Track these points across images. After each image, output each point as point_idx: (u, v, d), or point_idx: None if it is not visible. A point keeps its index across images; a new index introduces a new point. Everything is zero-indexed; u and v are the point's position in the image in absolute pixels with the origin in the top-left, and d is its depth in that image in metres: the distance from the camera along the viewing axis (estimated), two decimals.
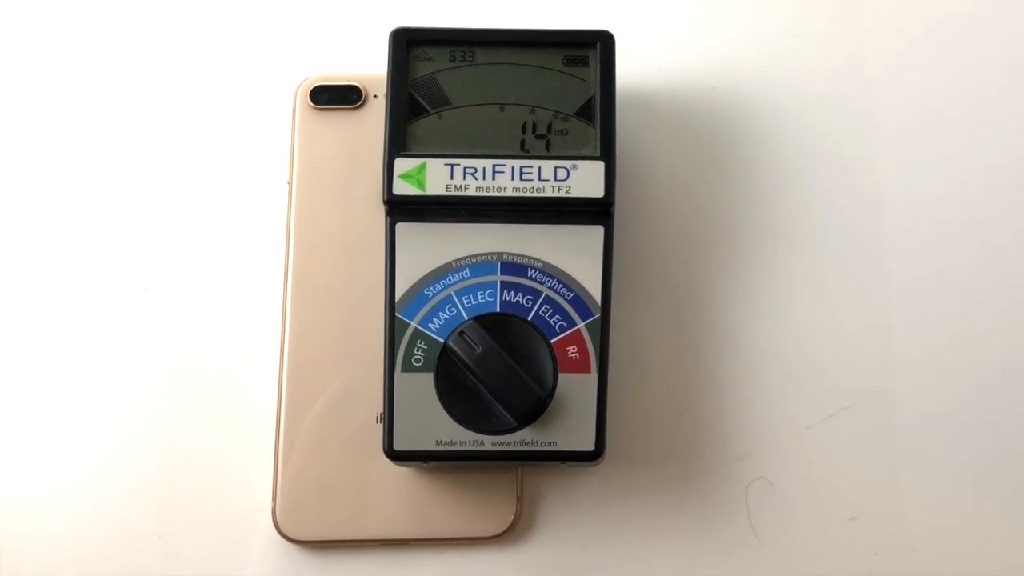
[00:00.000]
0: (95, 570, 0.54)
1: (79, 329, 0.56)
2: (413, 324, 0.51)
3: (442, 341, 0.50)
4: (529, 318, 0.51)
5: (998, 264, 0.57)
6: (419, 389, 0.50)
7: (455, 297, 0.51)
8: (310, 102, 0.56)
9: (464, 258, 0.51)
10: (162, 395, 0.55)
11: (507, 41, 0.53)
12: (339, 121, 0.56)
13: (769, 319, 0.56)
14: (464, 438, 0.50)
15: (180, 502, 0.54)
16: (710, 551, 0.53)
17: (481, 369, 0.49)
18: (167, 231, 0.57)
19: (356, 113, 0.56)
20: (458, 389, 0.50)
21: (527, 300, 0.51)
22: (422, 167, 0.51)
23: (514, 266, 0.51)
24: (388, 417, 0.50)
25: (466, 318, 0.50)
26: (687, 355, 0.55)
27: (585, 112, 0.52)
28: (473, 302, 0.51)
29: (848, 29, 0.60)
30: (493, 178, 0.51)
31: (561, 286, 0.51)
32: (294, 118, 0.56)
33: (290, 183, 0.55)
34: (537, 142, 0.52)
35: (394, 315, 0.51)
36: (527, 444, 0.50)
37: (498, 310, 0.51)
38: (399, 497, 0.53)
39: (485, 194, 0.51)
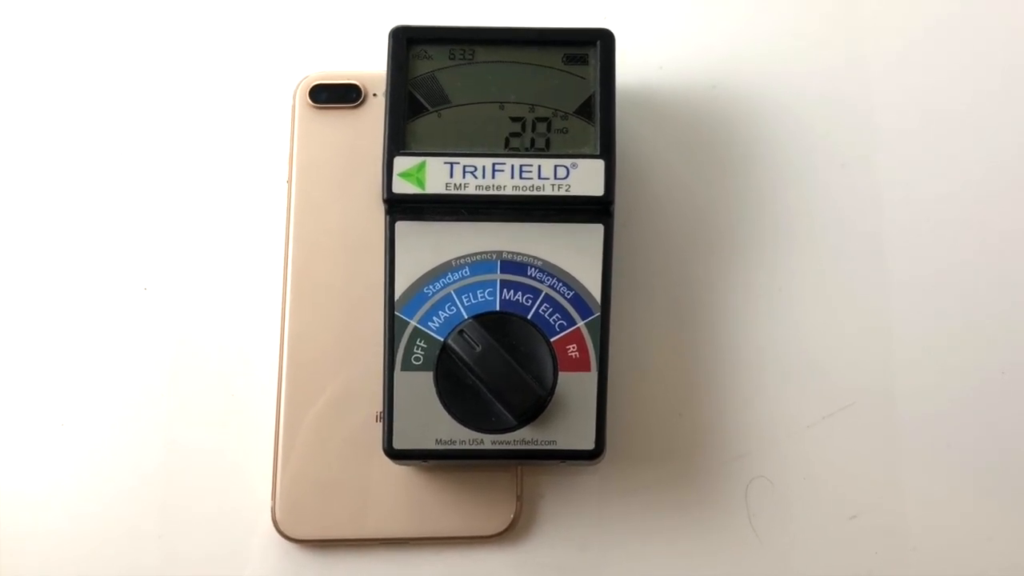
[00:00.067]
0: (95, 570, 0.54)
1: (78, 328, 0.56)
2: (413, 323, 0.50)
3: (442, 340, 0.50)
4: (529, 317, 0.51)
5: (998, 264, 0.57)
6: (419, 388, 0.50)
7: (455, 296, 0.51)
8: (309, 101, 0.56)
9: (464, 257, 0.51)
10: (162, 395, 0.55)
11: (507, 39, 0.53)
12: (338, 120, 0.56)
13: (769, 318, 0.56)
14: (464, 437, 0.50)
15: (180, 502, 0.54)
16: (710, 550, 0.53)
17: (481, 368, 0.49)
18: (166, 230, 0.57)
19: (355, 112, 0.56)
20: (458, 388, 0.50)
21: (527, 299, 0.51)
22: (422, 166, 0.51)
23: (514, 265, 0.51)
24: (388, 416, 0.50)
25: (466, 317, 0.50)
26: (687, 354, 0.55)
27: (585, 110, 0.52)
28: (473, 301, 0.51)
29: (848, 28, 0.60)
30: (493, 176, 0.51)
31: (561, 285, 0.51)
32: (293, 117, 0.56)
33: (289, 182, 0.55)
34: (537, 140, 0.52)
35: (394, 314, 0.51)
36: (527, 443, 0.50)
37: (498, 309, 0.51)
38: (399, 496, 0.53)
39: (485, 192, 0.51)
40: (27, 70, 0.59)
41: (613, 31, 0.52)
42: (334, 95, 0.56)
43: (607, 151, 0.51)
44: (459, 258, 0.51)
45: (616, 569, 0.53)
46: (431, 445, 0.50)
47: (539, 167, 0.51)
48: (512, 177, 0.51)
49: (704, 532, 0.54)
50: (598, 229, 0.51)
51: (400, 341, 0.50)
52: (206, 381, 0.55)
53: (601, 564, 0.53)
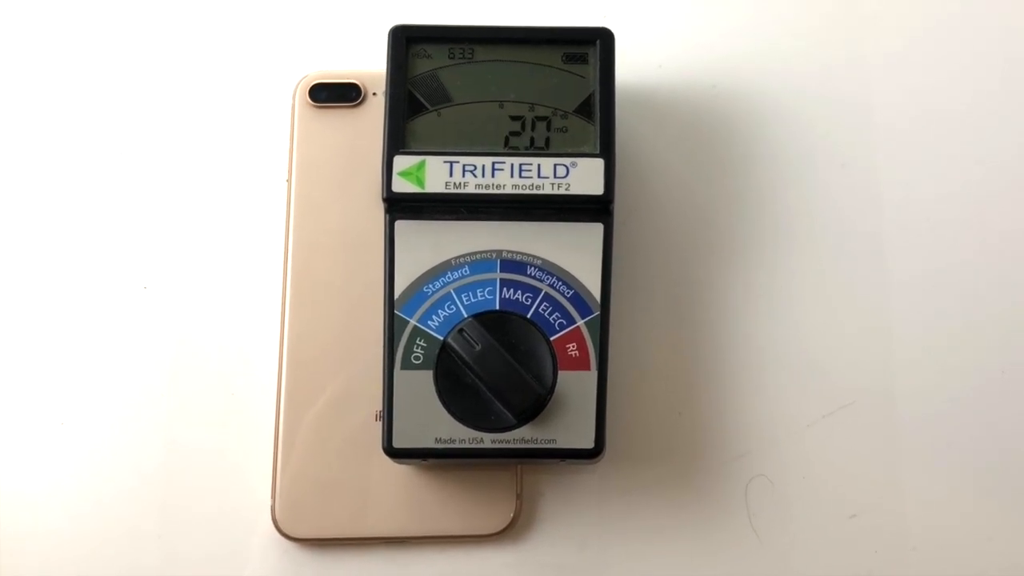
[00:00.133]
0: (95, 570, 0.54)
1: (77, 327, 0.56)
2: (412, 322, 0.50)
3: (441, 339, 0.50)
4: (528, 316, 0.51)
5: (998, 264, 0.57)
6: (418, 387, 0.50)
7: (454, 295, 0.51)
8: (309, 100, 0.56)
9: (463, 255, 0.51)
10: (162, 395, 0.55)
11: (506, 38, 0.53)
12: (338, 119, 0.56)
13: (769, 317, 0.56)
14: (464, 436, 0.50)
15: (180, 502, 0.54)
16: (710, 549, 0.53)
17: (480, 367, 0.49)
18: (166, 229, 0.57)
19: (355, 111, 0.56)
20: (457, 387, 0.50)
21: (526, 298, 0.51)
22: (421, 164, 0.51)
23: (513, 263, 0.51)
24: (387, 415, 0.50)
25: (465, 316, 0.50)
26: (687, 353, 0.55)
27: (584, 109, 0.52)
28: (472, 300, 0.51)
29: (848, 28, 0.60)
30: (492, 175, 0.51)
31: (561, 283, 0.51)
32: (293, 116, 0.56)
33: (289, 181, 0.55)
34: (536, 139, 0.52)
35: (393, 313, 0.51)
36: (526, 442, 0.50)
37: (497, 308, 0.51)
38: (399, 495, 0.53)
39: (484, 191, 0.51)
40: (27, 70, 0.59)
41: (613, 30, 0.52)
42: (334, 94, 0.56)
43: (607, 150, 0.51)
44: (459, 257, 0.51)
45: (616, 568, 0.53)
46: (431, 444, 0.50)
47: (539, 166, 0.51)
48: (512, 176, 0.51)
49: (704, 531, 0.54)
50: (598, 228, 0.51)
51: (400, 340, 0.50)
52: (206, 381, 0.55)
53: (601, 563, 0.53)
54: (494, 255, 0.51)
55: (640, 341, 0.55)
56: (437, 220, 0.51)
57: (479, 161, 0.51)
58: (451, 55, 0.52)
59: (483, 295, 0.51)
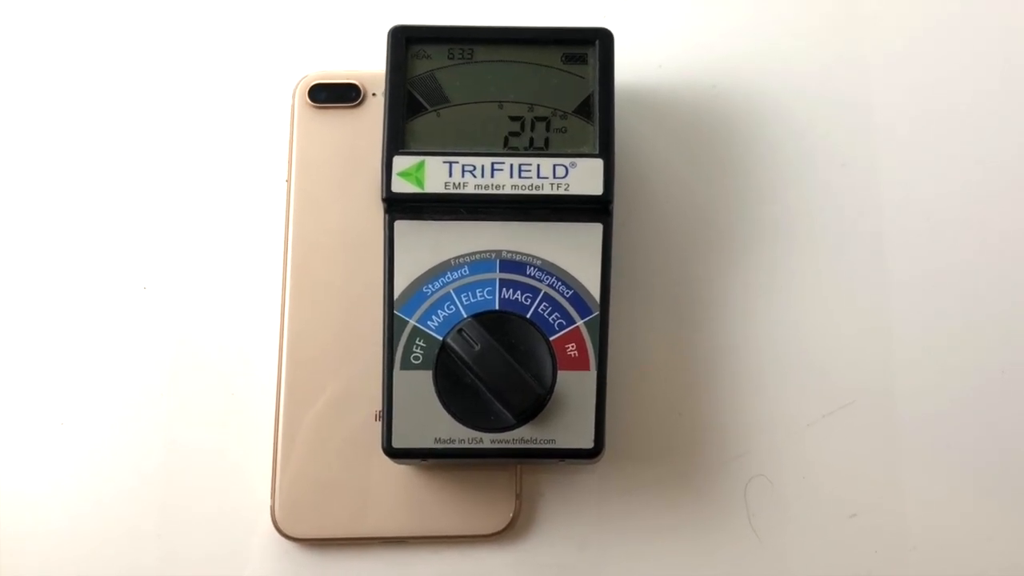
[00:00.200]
0: (95, 570, 0.54)
1: (78, 327, 0.56)
2: (412, 322, 0.51)
3: (441, 339, 0.50)
4: (528, 316, 0.51)
5: (998, 264, 0.57)
6: (418, 387, 0.50)
7: (454, 295, 0.51)
8: (309, 100, 0.56)
9: (463, 256, 0.51)
10: (162, 395, 0.55)
11: (506, 39, 0.53)
12: (338, 119, 0.56)
13: (769, 317, 0.56)
14: (463, 436, 0.50)
15: (180, 502, 0.54)
16: (709, 549, 0.53)
17: (480, 367, 0.49)
18: (166, 229, 0.57)
19: (355, 111, 0.56)
20: (457, 387, 0.50)
21: (526, 298, 0.51)
22: (421, 165, 0.51)
23: (513, 264, 0.51)
24: (387, 415, 0.50)
25: (465, 316, 0.50)
26: (686, 353, 0.55)
27: (584, 110, 0.52)
28: (472, 300, 0.51)
29: (848, 28, 0.60)
30: (492, 176, 0.51)
31: (560, 284, 0.51)
32: (293, 116, 0.56)
33: (289, 181, 0.55)
34: (536, 140, 0.52)
35: (393, 313, 0.51)
36: (526, 442, 0.50)
37: (497, 308, 0.51)
38: (398, 495, 0.53)
39: (484, 192, 0.51)
40: (27, 70, 0.59)
41: (612, 30, 0.52)
42: (333, 94, 0.56)
43: (606, 150, 0.51)
44: (458, 257, 0.51)
45: (615, 568, 0.53)
46: (430, 444, 0.50)
47: (538, 166, 0.51)
48: (511, 176, 0.51)
49: (703, 531, 0.54)
50: (597, 228, 0.51)
51: (399, 340, 0.50)
52: (206, 381, 0.55)
53: (600, 563, 0.53)
54: (493, 255, 0.51)
55: (640, 341, 0.55)
56: (436, 220, 0.51)
57: (478, 161, 0.51)
58: (450, 55, 0.52)
59: (482, 295, 0.51)
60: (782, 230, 0.57)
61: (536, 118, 0.52)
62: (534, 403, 0.49)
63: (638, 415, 0.55)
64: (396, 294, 0.51)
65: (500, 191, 0.51)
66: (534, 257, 0.51)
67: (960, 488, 0.54)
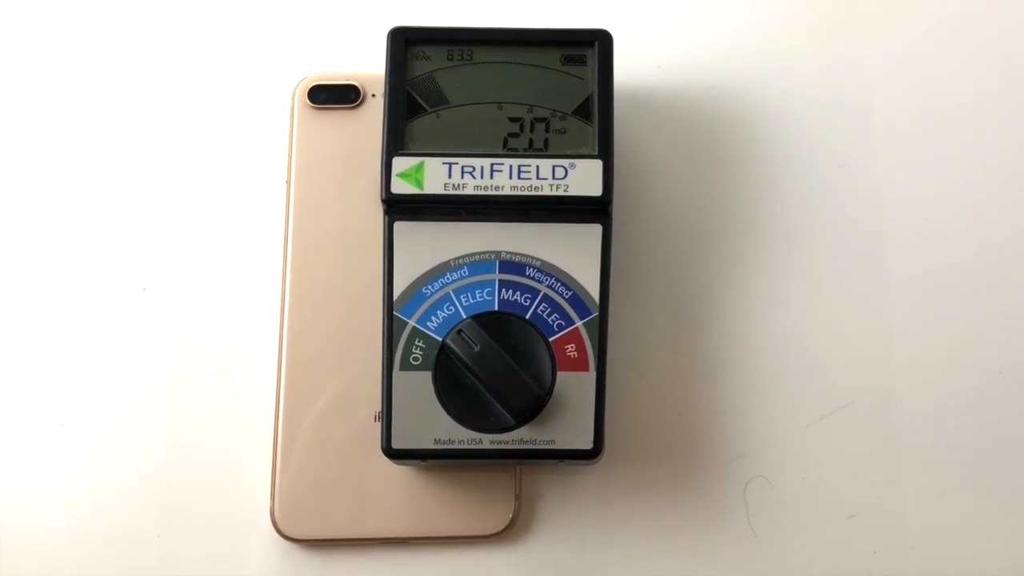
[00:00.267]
0: (95, 570, 0.54)
1: (77, 328, 0.56)
2: (411, 323, 0.51)
3: (440, 340, 0.50)
4: (527, 316, 0.51)
5: (998, 264, 0.57)
6: (417, 388, 0.50)
7: (453, 296, 0.51)
8: (308, 101, 0.56)
9: (462, 257, 0.51)
10: (162, 395, 0.55)
11: (505, 40, 0.53)
12: (337, 120, 0.56)
13: (768, 318, 0.56)
14: (462, 437, 0.50)
15: (180, 502, 0.54)
16: (708, 550, 0.53)
17: (479, 368, 0.49)
18: (165, 230, 0.57)
19: (354, 112, 0.56)
20: (456, 388, 0.50)
21: (525, 299, 0.51)
22: (420, 166, 0.51)
23: (512, 265, 0.51)
24: (386, 416, 0.50)
25: (464, 317, 0.50)
26: (685, 353, 0.55)
27: (583, 111, 0.52)
28: (471, 300, 0.51)
29: (848, 28, 0.60)
30: (491, 177, 0.51)
31: (559, 285, 0.51)
32: (292, 117, 0.56)
33: (288, 182, 0.55)
34: (535, 141, 0.52)
35: (392, 314, 0.51)
36: (525, 443, 0.50)
37: (496, 309, 0.51)
38: (398, 496, 0.53)
39: (483, 193, 0.51)
40: (27, 70, 0.59)
41: (611, 31, 0.52)
42: (333, 96, 0.56)
43: (605, 151, 0.51)
44: (457, 258, 0.51)
45: (615, 569, 0.53)
46: (430, 445, 0.50)
47: (537, 167, 0.51)
48: (510, 177, 0.51)
49: (703, 532, 0.54)
50: (596, 229, 0.51)
51: (399, 341, 0.50)
52: (206, 381, 0.55)
53: (600, 564, 0.53)
54: (493, 256, 0.51)
55: (639, 341, 0.55)
56: (436, 221, 0.51)
57: (478, 162, 0.51)
58: (450, 57, 0.52)
59: (482, 296, 0.51)
60: (782, 230, 0.57)
61: (535, 119, 0.52)
62: (533, 404, 0.49)
63: (637, 416, 0.55)
64: (396, 295, 0.51)
65: (499, 192, 0.51)
66: (533, 258, 0.51)
67: (960, 488, 0.54)
